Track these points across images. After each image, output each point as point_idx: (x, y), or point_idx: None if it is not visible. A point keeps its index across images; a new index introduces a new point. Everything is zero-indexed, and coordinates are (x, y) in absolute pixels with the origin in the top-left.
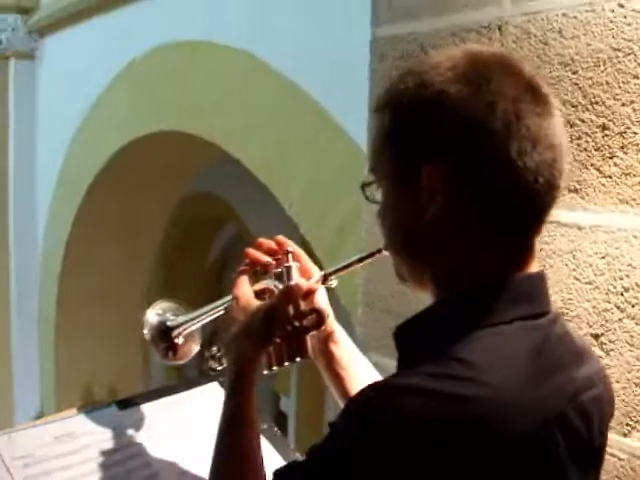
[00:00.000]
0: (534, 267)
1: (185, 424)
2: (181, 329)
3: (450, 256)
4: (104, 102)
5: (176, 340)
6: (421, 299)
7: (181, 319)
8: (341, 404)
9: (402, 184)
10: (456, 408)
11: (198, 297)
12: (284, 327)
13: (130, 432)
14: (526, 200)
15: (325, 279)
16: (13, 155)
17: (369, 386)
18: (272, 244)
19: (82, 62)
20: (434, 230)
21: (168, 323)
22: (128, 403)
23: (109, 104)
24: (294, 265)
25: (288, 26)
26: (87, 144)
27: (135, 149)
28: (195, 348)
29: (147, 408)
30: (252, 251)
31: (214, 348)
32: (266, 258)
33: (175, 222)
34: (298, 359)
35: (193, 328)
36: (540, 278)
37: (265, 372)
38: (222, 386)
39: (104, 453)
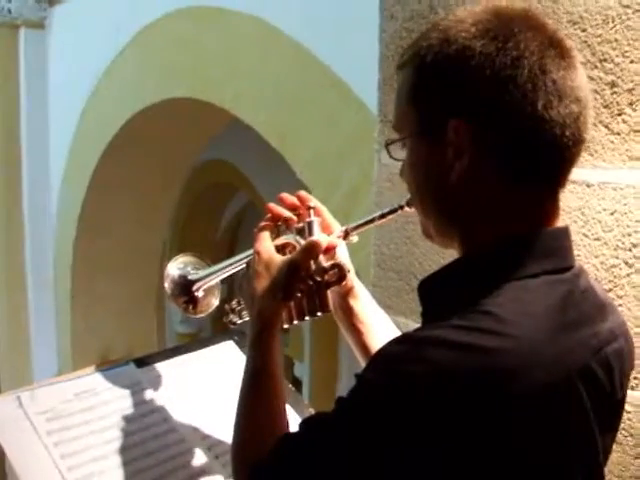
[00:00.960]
0: (559, 222)
1: (201, 381)
2: (201, 283)
3: (477, 212)
4: (115, 70)
5: (196, 294)
6: (434, 259)
7: (202, 273)
8: (360, 359)
9: (427, 142)
10: (480, 359)
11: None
12: (306, 282)
13: (148, 389)
14: (553, 153)
15: (346, 235)
16: (25, 125)
17: (395, 339)
18: (294, 199)
19: (92, 30)
20: (461, 187)
21: (189, 277)
22: (145, 361)
23: (120, 72)
24: (316, 220)
25: None
26: (99, 112)
27: (147, 117)
28: (215, 302)
29: (164, 365)
30: (274, 206)
31: (234, 302)
32: (288, 213)
33: (188, 189)
34: (319, 313)
35: (213, 282)
36: (564, 232)
37: (286, 326)
38: (237, 344)
39: (123, 409)
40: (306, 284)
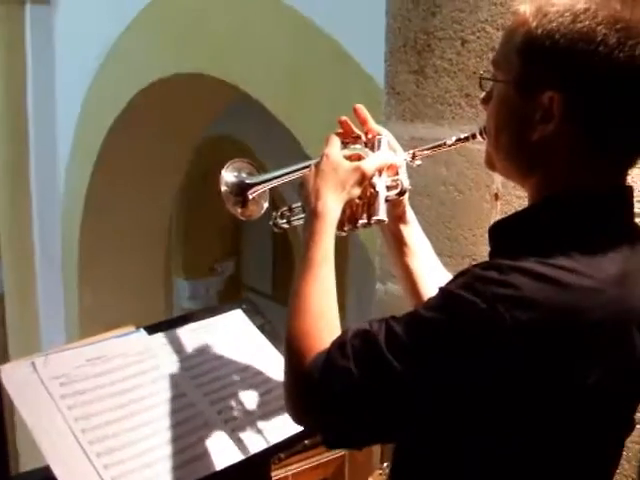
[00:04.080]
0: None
1: (210, 348)
2: (257, 187)
3: (553, 167)
4: (122, 45)
5: (250, 196)
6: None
7: (259, 178)
8: (398, 277)
9: (520, 94)
10: (559, 292)
11: (217, 240)
12: (366, 190)
13: (158, 355)
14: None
15: (413, 157)
16: (32, 101)
17: (484, 263)
18: (363, 115)
19: (99, 5)
20: (539, 146)
21: (246, 180)
22: (155, 328)
23: (127, 47)
24: (385, 138)
25: None
26: (106, 88)
27: (154, 92)
28: (264, 206)
29: (174, 333)
30: (347, 120)
31: (285, 208)
32: (358, 130)
33: (195, 165)
34: (373, 220)
35: (267, 188)
36: (631, 191)
37: (340, 233)
38: (245, 313)
39: (134, 374)
40: (364, 193)
